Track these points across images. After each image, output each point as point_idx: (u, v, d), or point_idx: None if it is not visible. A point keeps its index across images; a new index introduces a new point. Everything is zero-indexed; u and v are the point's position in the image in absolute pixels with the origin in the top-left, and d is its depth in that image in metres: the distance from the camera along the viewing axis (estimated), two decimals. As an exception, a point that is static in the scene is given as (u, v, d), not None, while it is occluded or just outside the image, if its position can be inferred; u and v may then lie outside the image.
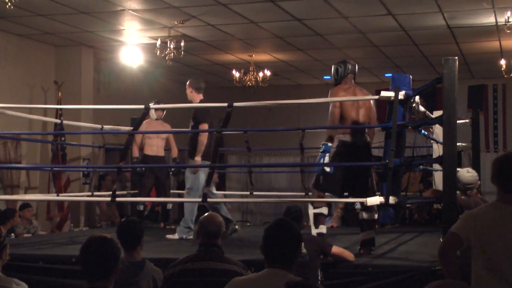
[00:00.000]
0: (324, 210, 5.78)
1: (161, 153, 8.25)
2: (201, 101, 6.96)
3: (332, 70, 5.98)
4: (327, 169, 5.63)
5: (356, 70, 5.97)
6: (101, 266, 2.94)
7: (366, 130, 5.81)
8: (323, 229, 5.62)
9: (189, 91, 7.01)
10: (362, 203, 5.72)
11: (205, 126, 6.78)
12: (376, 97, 5.46)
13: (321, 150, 5.68)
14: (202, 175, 6.82)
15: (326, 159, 5.66)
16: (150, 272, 3.87)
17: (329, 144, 5.66)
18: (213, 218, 3.80)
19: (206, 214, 3.87)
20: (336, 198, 5.90)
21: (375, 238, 5.72)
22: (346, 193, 5.86)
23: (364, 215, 5.74)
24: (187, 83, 7.07)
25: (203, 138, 6.78)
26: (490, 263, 3.04)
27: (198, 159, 6.77)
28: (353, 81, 5.94)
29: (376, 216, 5.76)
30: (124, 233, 3.92)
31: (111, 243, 3.01)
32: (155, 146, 8.06)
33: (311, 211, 5.78)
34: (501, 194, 3.15)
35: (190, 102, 7.02)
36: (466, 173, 5.19)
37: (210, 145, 6.81)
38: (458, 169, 5.33)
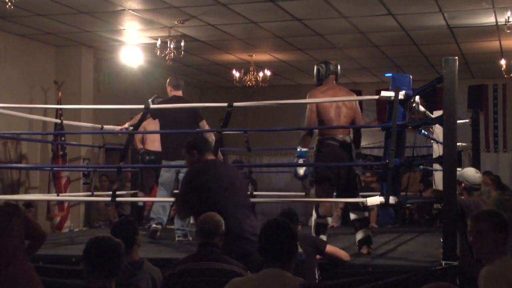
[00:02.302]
0: (327, 221, 5.80)
1: None
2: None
3: (314, 71, 6.00)
4: (301, 172, 5.79)
5: (338, 70, 5.99)
6: (106, 266, 2.96)
7: (350, 130, 5.83)
8: (323, 238, 5.60)
9: (168, 90, 7.05)
10: (350, 204, 5.78)
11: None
12: (376, 97, 5.46)
13: (296, 155, 5.77)
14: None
15: (301, 167, 5.77)
16: (148, 271, 3.86)
17: (304, 149, 5.74)
18: (210, 217, 3.80)
19: (205, 213, 3.88)
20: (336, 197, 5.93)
21: (371, 235, 5.73)
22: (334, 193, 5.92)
23: (355, 215, 5.77)
24: (167, 81, 7.11)
25: None
26: None
27: None
28: (334, 81, 5.96)
29: (366, 214, 5.80)
30: (118, 233, 3.91)
31: (116, 243, 3.02)
32: (156, 142, 7.99)
33: (314, 219, 5.79)
34: None
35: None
36: (475, 173, 5.14)
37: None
38: (465, 168, 5.34)
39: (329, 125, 5.77)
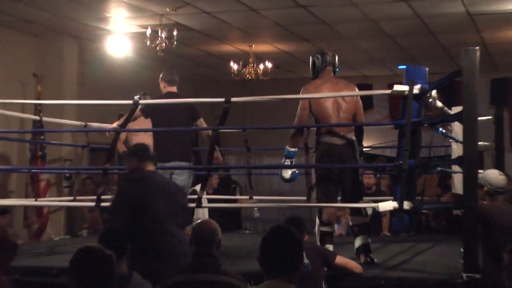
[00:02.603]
0: (333, 228, 5.80)
1: None
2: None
3: (310, 63, 6.01)
4: (287, 175, 5.84)
5: (336, 61, 5.99)
6: (96, 280, 2.95)
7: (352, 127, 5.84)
8: (329, 248, 5.59)
9: (161, 86, 7.01)
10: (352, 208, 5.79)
11: None
12: (389, 91, 5.46)
13: (284, 154, 5.79)
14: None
15: (288, 168, 5.83)
16: (137, 285, 3.84)
17: (292, 149, 5.75)
18: (206, 224, 3.81)
19: (199, 220, 3.87)
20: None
21: (369, 243, 5.72)
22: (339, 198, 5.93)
23: (355, 220, 5.77)
24: (160, 76, 7.07)
25: None
26: None
27: None
28: (332, 73, 5.96)
29: (367, 219, 5.81)
30: (106, 242, 3.88)
31: (109, 255, 3.02)
32: None
33: (318, 227, 5.78)
34: None
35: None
36: (498, 176, 5.12)
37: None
38: (487, 170, 5.32)
39: (326, 121, 5.76)
